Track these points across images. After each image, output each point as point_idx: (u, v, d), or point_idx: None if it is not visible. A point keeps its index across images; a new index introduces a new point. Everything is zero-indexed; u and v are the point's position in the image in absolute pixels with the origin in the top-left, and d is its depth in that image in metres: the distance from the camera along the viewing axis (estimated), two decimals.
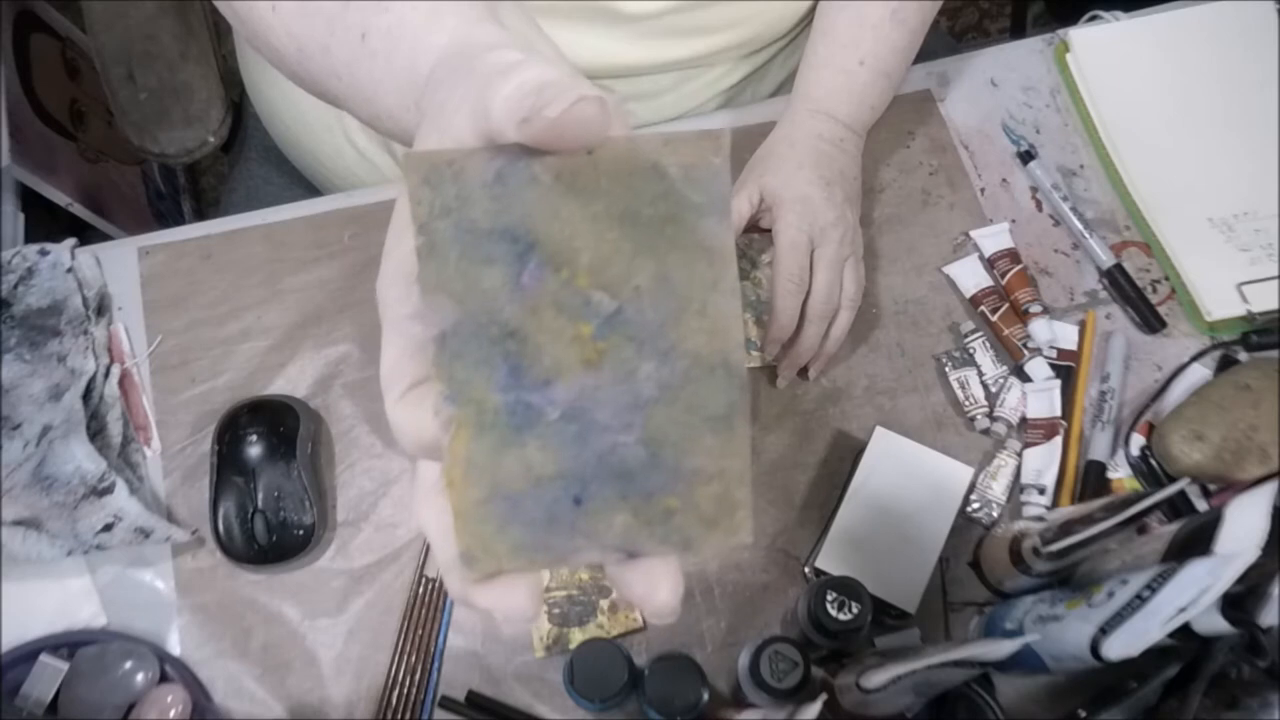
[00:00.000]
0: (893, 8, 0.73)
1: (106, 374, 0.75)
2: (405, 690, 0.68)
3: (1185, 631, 0.53)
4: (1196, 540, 0.56)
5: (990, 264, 0.79)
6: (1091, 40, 0.86)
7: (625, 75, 0.78)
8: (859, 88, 0.74)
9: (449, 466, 0.28)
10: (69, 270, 0.77)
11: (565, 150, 0.28)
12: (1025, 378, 0.76)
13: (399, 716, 0.67)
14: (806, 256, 0.70)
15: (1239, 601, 0.53)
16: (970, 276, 0.79)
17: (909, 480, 0.70)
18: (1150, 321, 0.77)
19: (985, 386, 0.76)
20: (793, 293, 0.70)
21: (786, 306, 0.70)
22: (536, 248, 0.28)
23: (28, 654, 0.66)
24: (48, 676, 0.66)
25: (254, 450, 0.71)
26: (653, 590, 0.30)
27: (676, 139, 0.29)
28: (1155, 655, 0.55)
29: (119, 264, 0.80)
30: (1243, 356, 0.76)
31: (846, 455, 0.73)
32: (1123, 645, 0.53)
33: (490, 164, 0.28)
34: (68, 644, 0.67)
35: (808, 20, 0.83)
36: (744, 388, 0.30)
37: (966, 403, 0.75)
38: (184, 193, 1.51)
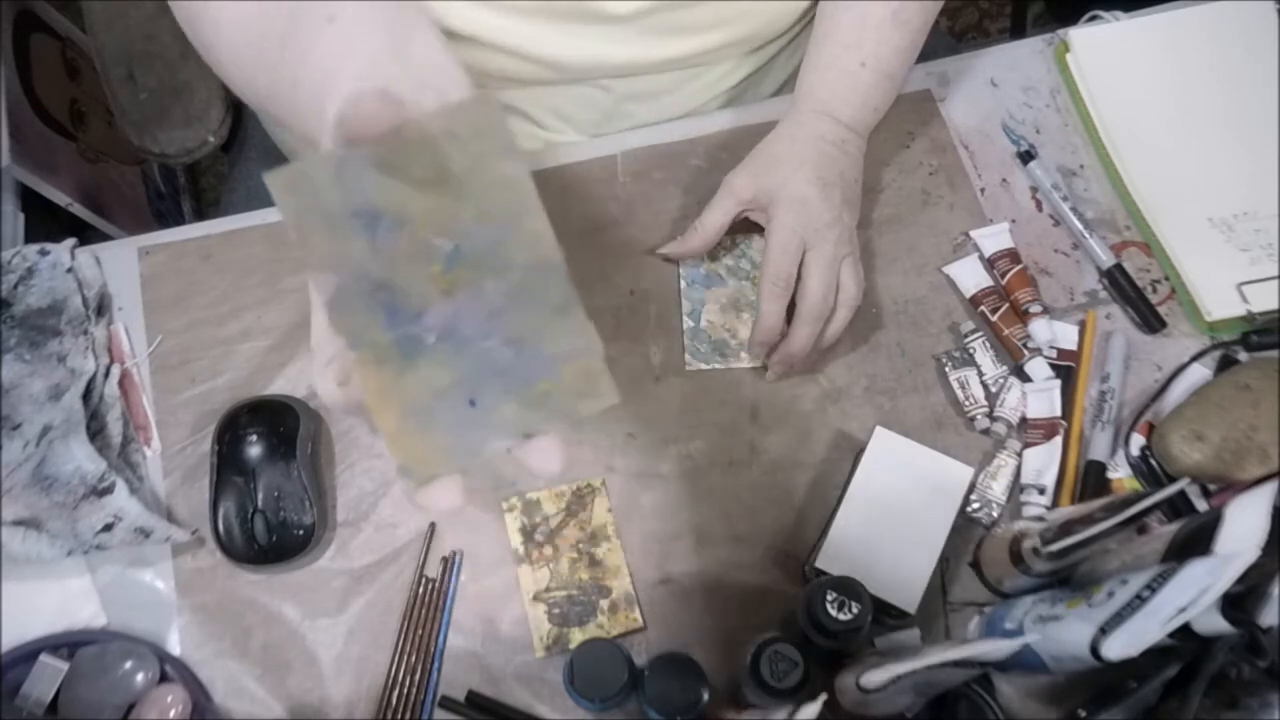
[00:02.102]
0: (894, 8, 0.73)
1: (106, 374, 0.75)
2: (405, 690, 0.68)
3: (1185, 631, 0.53)
4: (1196, 540, 0.56)
5: (990, 264, 0.79)
6: (1091, 40, 0.86)
7: (621, 75, 0.78)
8: (862, 89, 0.74)
9: (367, 398, 0.36)
10: (69, 270, 0.77)
11: (373, 138, 0.36)
12: (1025, 378, 0.76)
13: (399, 716, 0.67)
14: (795, 259, 0.70)
15: (1239, 601, 0.53)
16: (970, 276, 0.79)
17: (909, 480, 0.69)
18: (1150, 321, 0.77)
19: (985, 386, 0.76)
20: (777, 295, 0.70)
21: (770, 309, 0.70)
22: (381, 217, 0.36)
23: (28, 654, 0.66)
24: (48, 676, 0.66)
25: (254, 450, 0.71)
26: (547, 461, 0.39)
27: (457, 108, 0.36)
28: (1155, 655, 0.55)
29: (119, 264, 0.80)
30: (1243, 356, 0.76)
31: (846, 455, 0.73)
32: (1123, 645, 0.53)
33: (329, 164, 0.36)
34: (68, 644, 0.67)
35: (807, 20, 0.83)
36: (569, 280, 0.38)
37: (966, 403, 0.75)
38: (184, 193, 1.51)
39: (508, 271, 0.37)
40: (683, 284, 0.78)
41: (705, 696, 0.61)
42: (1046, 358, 0.76)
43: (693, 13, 0.74)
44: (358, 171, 0.36)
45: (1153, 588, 0.54)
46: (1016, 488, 0.73)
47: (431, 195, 0.36)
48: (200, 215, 1.51)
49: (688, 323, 0.77)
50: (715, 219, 0.74)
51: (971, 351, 0.76)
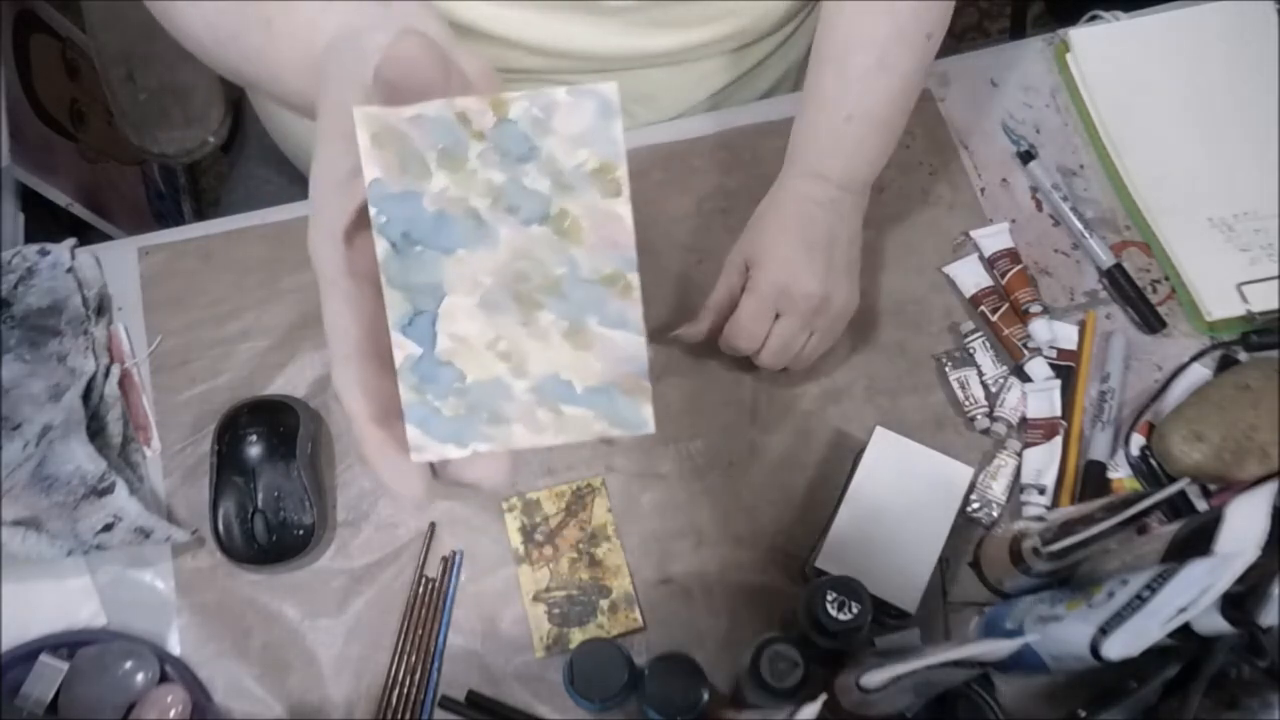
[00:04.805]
0: (878, 55, 0.70)
1: (106, 374, 0.75)
2: (405, 690, 0.68)
3: (1185, 631, 0.53)
4: (1196, 540, 0.56)
5: (990, 264, 0.79)
6: (1091, 40, 0.86)
7: (610, 68, 0.78)
8: (850, 143, 0.71)
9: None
10: (69, 270, 0.77)
11: (412, 86, 0.32)
12: (1025, 378, 0.75)
13: (399, 716, 0.67)
14: (767, 325, 0.70)
15: (1239, 601, 0.53)
16: (970, 276, 0.79)
17: (909, 480, 0.69)
18: (1150, 321, 0.77)
19: (985, 386, 0.75)
20: (736, 349, 0.72)
21: (733, 347, 0.72)
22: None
23: (28, 654, 0.66)
24: (48, 676, 0.66)
25: (254, 450, 0.71)
26: (492, 471, 0.38)
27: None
28: (1155, 655, 0.55)
29: (119, 264, 0.80)
30: (1243, 356, 0.76)
31: (846, 455, 0.73)
32: (1123, 645, 0.53)
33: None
34: (68, 644, 0.67)
35: (799, 22, 0.83)
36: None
37: (966, 403, 0.75)
38: (184, 193, 1.51)
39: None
40: (380, 247, 0.32)
41: (705, 696, 0.61)
42: (1046, 358, 0.76)
43: (680, 9, 0.74)
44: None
45: (1153, 588, 0.54)
46: (1016, 488, 0.73)
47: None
48: (200, 215, 1.51)
49: (400, 351, 0.33)
50: (722, 296, 0.72)
51: (971, 351, 0.76)
